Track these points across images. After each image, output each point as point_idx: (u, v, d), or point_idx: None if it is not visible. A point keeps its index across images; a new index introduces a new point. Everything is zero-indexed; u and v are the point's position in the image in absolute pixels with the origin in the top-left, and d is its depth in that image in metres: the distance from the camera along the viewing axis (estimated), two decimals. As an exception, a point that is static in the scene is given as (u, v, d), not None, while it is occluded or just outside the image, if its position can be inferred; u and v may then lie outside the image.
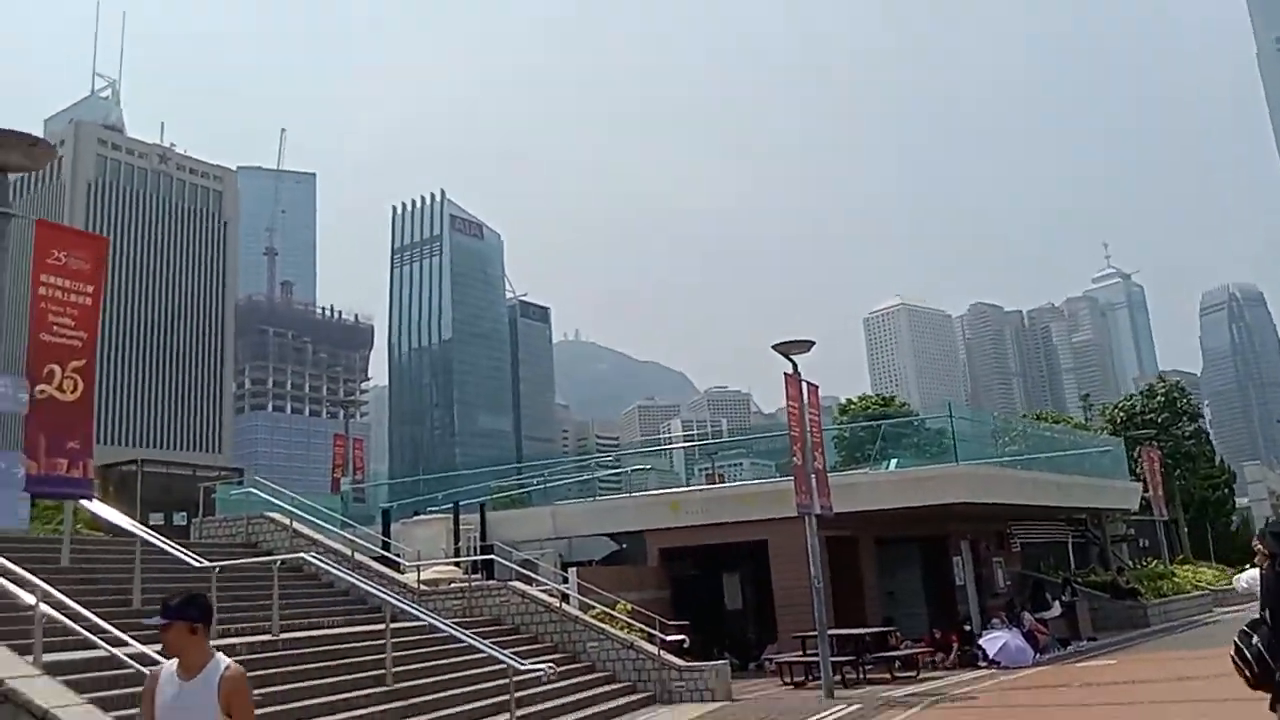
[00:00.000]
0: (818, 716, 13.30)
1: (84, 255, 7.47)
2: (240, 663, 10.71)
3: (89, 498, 7.86)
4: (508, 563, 17.08)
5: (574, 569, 18.01)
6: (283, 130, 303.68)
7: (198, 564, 12.22)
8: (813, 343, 15.65)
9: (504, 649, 12.04)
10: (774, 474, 25.27)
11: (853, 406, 60.41)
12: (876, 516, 20.78)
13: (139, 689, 8.31)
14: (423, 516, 22.73)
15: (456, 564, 18.73)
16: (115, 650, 7.81)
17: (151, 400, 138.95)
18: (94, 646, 7.88)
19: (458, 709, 11.60)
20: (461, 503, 22.36)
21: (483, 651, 11.73)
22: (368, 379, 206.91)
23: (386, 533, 20.22)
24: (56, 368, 7.27)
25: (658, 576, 20.64)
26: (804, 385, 15.87)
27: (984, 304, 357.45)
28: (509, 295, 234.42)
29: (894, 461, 24.83)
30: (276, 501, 17.87)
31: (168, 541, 12.68)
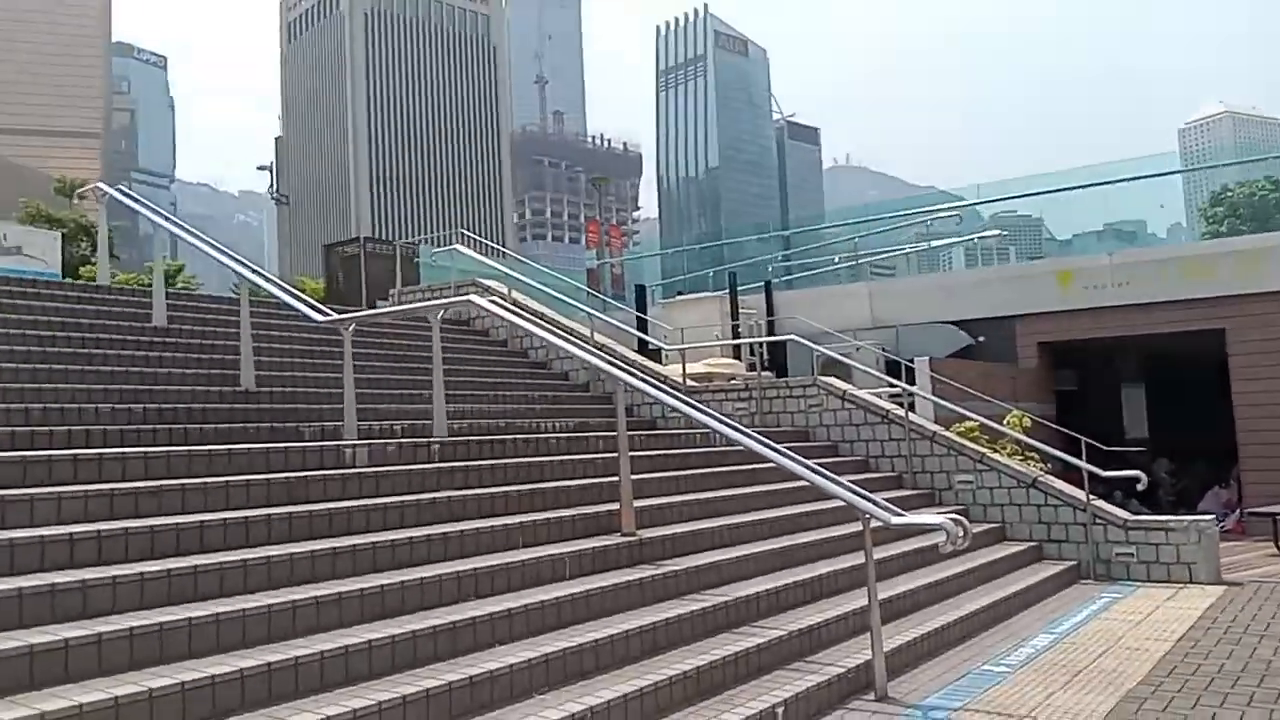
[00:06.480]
0: None
1: None
2: (384, 476, 5.82)
3: None
4: (813, 346, 10.99)
5: (923, 360, 11.78)
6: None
7: (321, 317, 7.30)
8: None
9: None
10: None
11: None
12: None
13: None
14: (688, 296, 17.21)
15: (736, 357, 13.16)
16: None
17: (442, 230, 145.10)
18: None
19: (763, 587, 6.02)
20: (740, 285, 16.60)
21: (801, 479, 5.94)
22: (638, 208, 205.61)
23: (642, 311, 14.70)
24: None
25: (1041, 383, 13.88)
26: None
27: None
28: (776, 117, 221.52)
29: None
30: (493, 264, 12.84)
31: (286, 287, 7.83)
